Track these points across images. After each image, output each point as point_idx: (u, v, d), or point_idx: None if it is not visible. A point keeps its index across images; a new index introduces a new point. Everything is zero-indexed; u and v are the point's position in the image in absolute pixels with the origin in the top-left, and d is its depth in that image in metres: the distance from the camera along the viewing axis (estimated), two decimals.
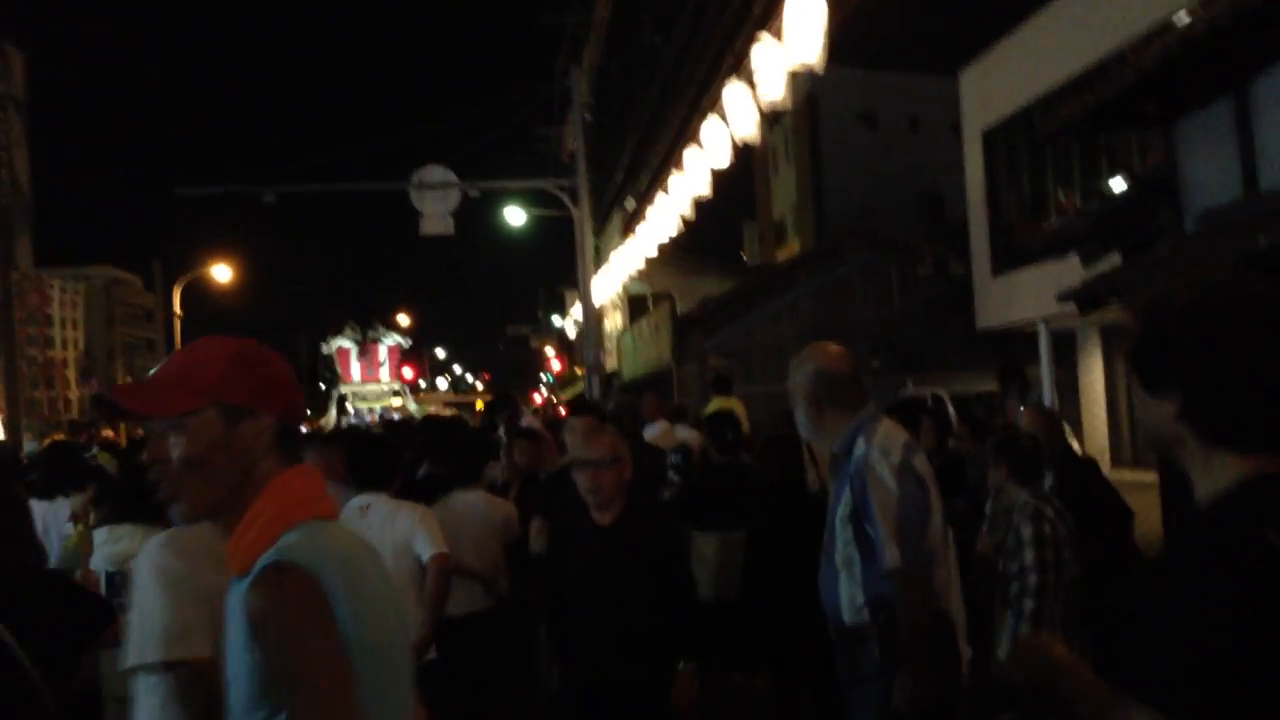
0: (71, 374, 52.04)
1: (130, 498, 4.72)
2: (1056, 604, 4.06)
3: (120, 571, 4.48)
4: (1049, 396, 5.52)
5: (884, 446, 3.08)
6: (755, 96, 8.76)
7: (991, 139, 17.06)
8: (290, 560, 1.62)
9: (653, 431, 7.89)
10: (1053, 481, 4.66)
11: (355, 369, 49.88)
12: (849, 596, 3.16)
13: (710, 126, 10.26)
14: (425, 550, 4.52)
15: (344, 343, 49.87)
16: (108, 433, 33.58)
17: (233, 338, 1.84)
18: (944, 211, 31.79)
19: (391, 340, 51.43)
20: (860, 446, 3.10)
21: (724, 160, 10.07)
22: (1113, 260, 6.41)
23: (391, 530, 4.52)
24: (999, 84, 16.72)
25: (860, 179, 33.71)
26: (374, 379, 50.10)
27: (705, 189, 11.13)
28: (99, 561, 4.72)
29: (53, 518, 6.43)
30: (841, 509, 3.17)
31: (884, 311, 18.92)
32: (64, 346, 51.61)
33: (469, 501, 5.54)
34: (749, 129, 9.03)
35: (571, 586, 3.99)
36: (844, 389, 3.19)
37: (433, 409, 42.50)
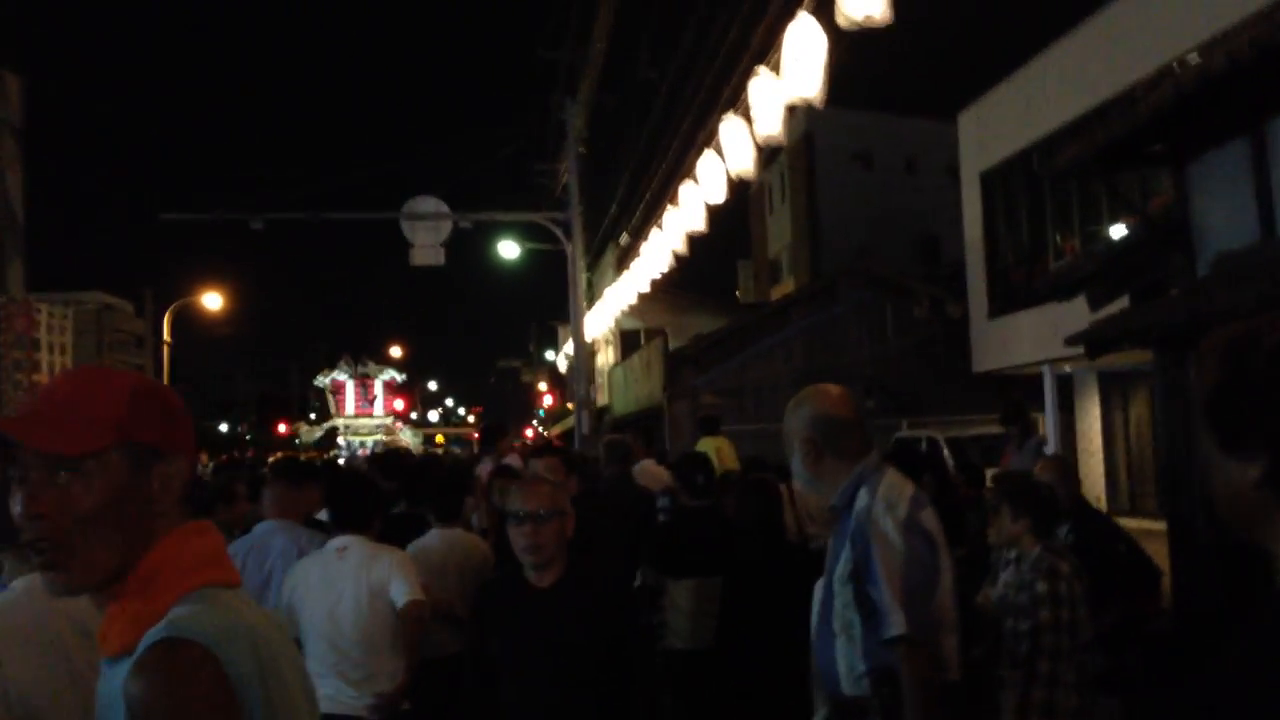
0: None
1: None
2: (1070, 667, 3.78)
3: None
4: (1053, 442, 5.24)
5: (889, 499, 2.79)
6: (752, 131, 8.58)
7: (990, 181, 16.94)
8: (185, 636, 1.32)
9: (640, 470, 7.65)
10: (1069, 534, 4.38)
11: (350, 402, 50.04)
12: (848, 665, 2.84)
13: (706, 161, 10.08)
14: (401, 596, 4.35)
15: (339, 376, 50.07)
16: None
17: (119, 370, 1.57)
18: (939, 253, 31.79)
19: (386, 375, 51.77)
20: (863, 499, 2.81)
21: (720, 195, 9.87)
22: (1121, 303, 6.19)
23: (368, 574, 4.37)
24: (997, 126, 16.63)
25: (856, 219, 33.73)
26: (368, 413, 50.37)
27: (700, 224, 10.93)
28: None
29: None
30: (841, 567, 2.85)
31: (878, 351, 18.74)
32: (50, 371, 51.19)
33: (448, 540, 5.44)
34: (745, 164, 8.84)
35: (499, 662, 3.40)
36: (845, 435, 2.90)
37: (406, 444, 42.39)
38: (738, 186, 9.80)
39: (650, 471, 7.69)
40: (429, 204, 16.68)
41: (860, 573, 2.75)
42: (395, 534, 5.26)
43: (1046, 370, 4.69)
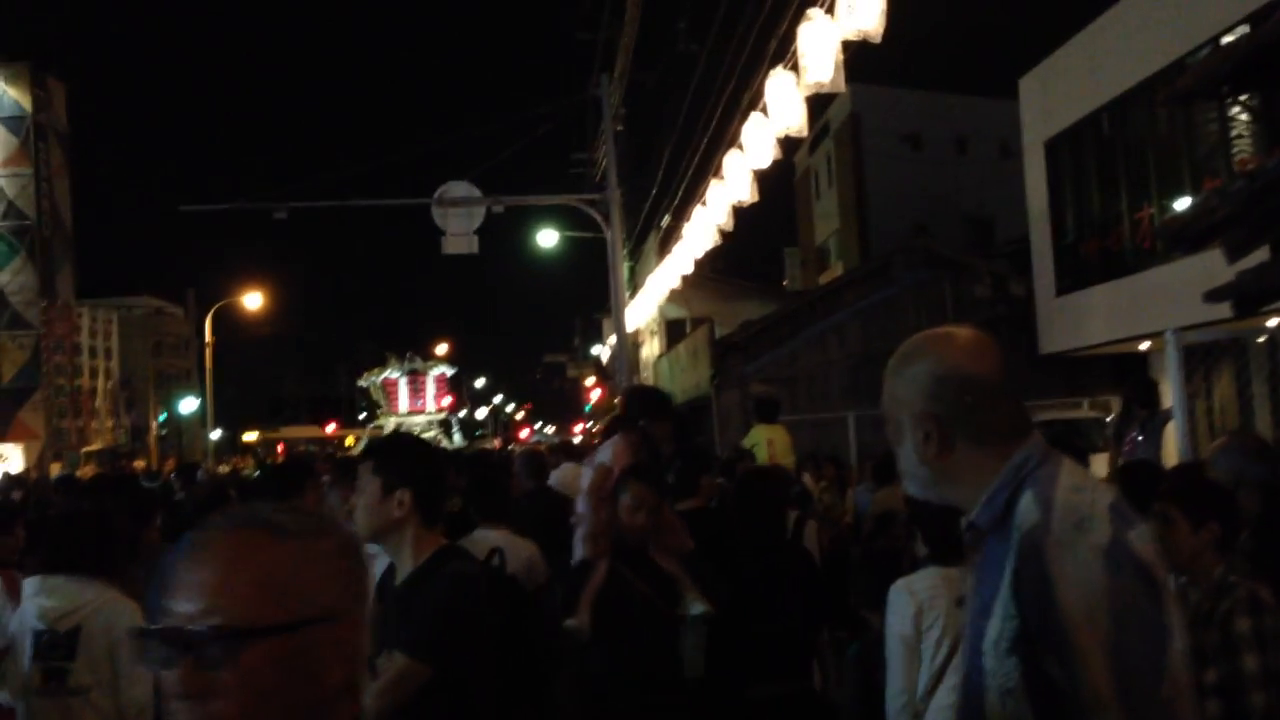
0: (100, 404, 51.82)
1: (68, 546, 4.14)
2: None
3: (51, 630, 3.95)
4: (1181, 427, 4.33)
5: (1077, 512, 1.61)
6: (801, 83, 7.74)
7: (1055, 149, 15.90)
8: None
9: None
10: (1249, 542, 3.20)
11: (404, 400, 49.86)
12: None
13: (751, 125, 9.23)
14: None
15: (391, 374, 49.96)
16: (139, 464, 33.28)
17: None
18: (993, 236, 30.72)
19: (437, 371, 51.63)
20: (1028, 512, 1.64)
21: (767, 159, 9.01)
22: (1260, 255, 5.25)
23: None
24: (1062, 91, 15.59)
25: (906, 202, 32.67)
26: (420, 410, 50.20)
27: (746, 194, 10.08)
28: (27, 617, 4.05)
29: None
30: (995, 629, 1.63)
31: None
32: (93, 376, 51.38)
33: (492, 541, 4.95)
34: (794, 120, 7.98)
35: None
36: (988, 407, 1.72)
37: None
38: (787, 147, 8.95)
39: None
40: (461, 189, 15.97)
41: (1035, 639, 1.57)
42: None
43: (1171, 338, 3.95)
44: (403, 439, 3.21)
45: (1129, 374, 10.54)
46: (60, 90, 52.90)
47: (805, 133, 8.12)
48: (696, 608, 4.12)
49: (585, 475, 4.81)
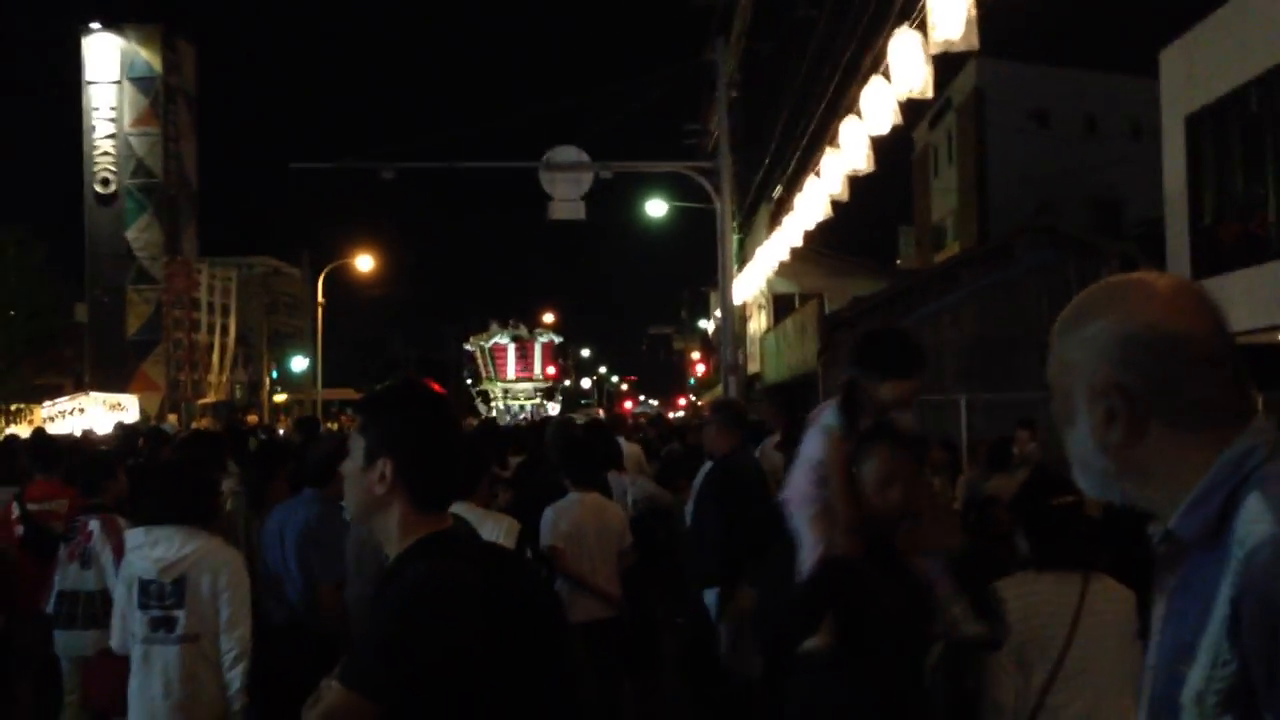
0: (216, 359, 53.41)
1: (174, 497, 4.30)
2: None
3: (159, 580, 4.13)
4: None
5: None
6: (927, 44, 7.25)
7: (1197, 125, 14.94)
8: None
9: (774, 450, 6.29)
10: None
11: (511, 365, 50.47)
12: None
13: (872, 89, 8.75)
14: None
15: (501, 340, 50.56)
16: (252, 418, 34.20)
17: None
18: (1121, 219, 29.45)
19: (545, 338, 52.17)
20: (1258, 523, 1.17)
21: (886, 124, 8.53)
22: None
23: None
24: (1207, 64, 14.62)
25: (1029, 181, 31.49)
26: (528, 376, 50.83)
27: (863, 163, 9.59)
28: (134, 567, 4.22)
29: None
30: (1202, 677, 1.18)
31: None
32: (210, 332, 52.92)
33: (586, 505, 5.52)
34: (917, 83, 7.49)
35: None
36: (1196, 378, 1.27)
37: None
38: (908, 113, 8.46)
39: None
40: (569, 154, 15.75)
41: (1261, 694, 1.13)
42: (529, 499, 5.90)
43: None
44: (399, 390, 2.25)
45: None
46: (190, 53, 54.41)
47: (930, 94, 7.61)
48: (968, 627, 3.06)
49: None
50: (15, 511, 6.12)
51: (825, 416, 3.35)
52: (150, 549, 4.14)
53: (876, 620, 2.98)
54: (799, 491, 3.25)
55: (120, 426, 15.99)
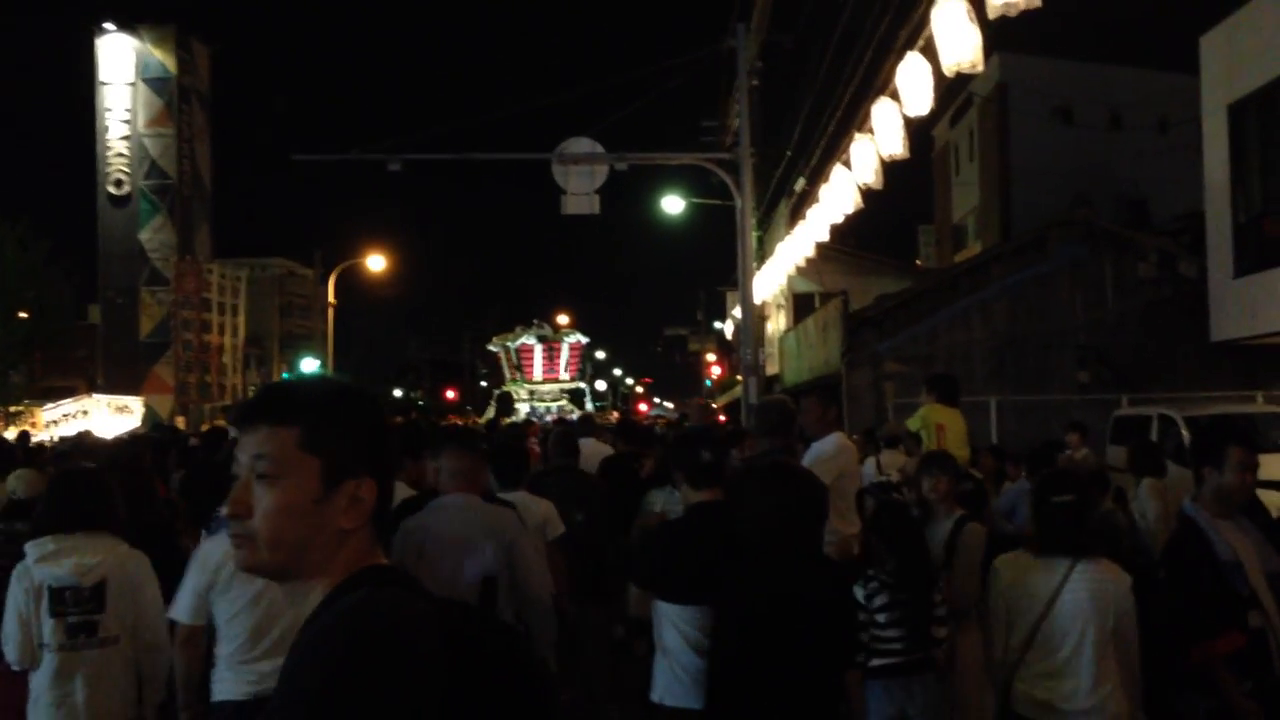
0: (228, 360, 53.13)
1: (82, 503, 4.30)
2: None
3: (76, 586, 4.13)
4: None
5: None
6: (971, 16, 6.68)
7: (1240, 114, 14.30)
8: None
9: (824, 451, 5.53)
10: None
11: (539, 366, 50.12)
12: None
13: (908, 65, 8.16)
14: None
15: (528, 340, 50.24)
16: None
17: None
18: (1148, 217, 28.81)
19: (573, 338, 51.81)
20: None
21: (925, 105, 7.93)
22: None
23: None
24: (1251, 49, 13.99)
25: (1053, 178, 30.81)
26: (554, 377, 50.53)
27: (898, 148, 9.00)
28: (44, 574, 4.15)
29: None
30: None
31: (1095, 316, 16.32)
32: (220, 332, 52.59)
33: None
34: (965, 55, 6.89)
35: None
36: None
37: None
38: (946, 92, 7.86)
39: (840, 455, 5.53)
40: (582, 145, 15.21)
41: None
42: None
43: None
44: (340, 387, 1.58)
45: None
46: (204, 54, 54.15)
47: (980, 68, 7.00)
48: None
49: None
50: None
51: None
52: (65, 556, 4.16)
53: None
54: None
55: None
